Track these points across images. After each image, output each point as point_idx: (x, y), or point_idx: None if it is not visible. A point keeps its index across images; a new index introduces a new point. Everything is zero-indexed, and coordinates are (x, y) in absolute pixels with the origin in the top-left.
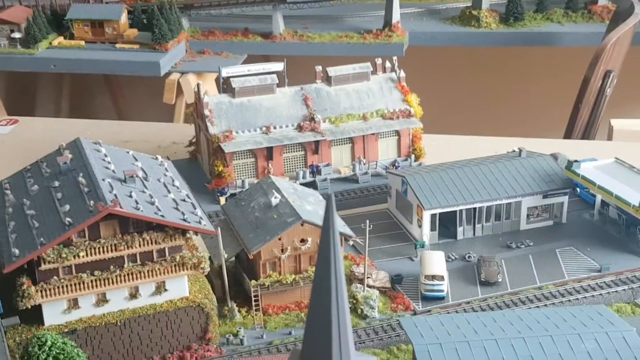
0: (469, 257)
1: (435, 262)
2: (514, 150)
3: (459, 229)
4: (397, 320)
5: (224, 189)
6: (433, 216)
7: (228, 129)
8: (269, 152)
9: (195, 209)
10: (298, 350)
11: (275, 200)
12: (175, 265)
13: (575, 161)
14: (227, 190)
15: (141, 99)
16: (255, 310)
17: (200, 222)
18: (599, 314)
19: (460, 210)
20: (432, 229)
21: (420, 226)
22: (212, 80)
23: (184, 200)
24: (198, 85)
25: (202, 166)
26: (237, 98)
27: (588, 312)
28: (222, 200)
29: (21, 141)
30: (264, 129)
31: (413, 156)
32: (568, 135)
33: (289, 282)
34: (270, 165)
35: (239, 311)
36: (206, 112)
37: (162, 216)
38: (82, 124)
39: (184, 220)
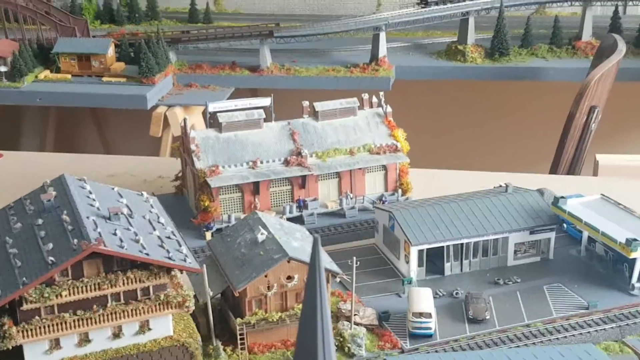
0: (457, 293)
1: (423, 299)
2: (500, 185)
3: (447, 265)
4: (384, 358)
5: (210, 223)
6: (420, 252)
7: (214, 163)
8: (255, 187)
9: (180, 246)
10: None
11: (261, 236)
12: (159, 304)
13: (562, 197)
14: (213, 225)
15: (127, 133)
16: (241, 348)
17: (185, 260)
18: (587, 354)
19: (448, 246)
20: (420, 264)
21: (407, 262)
22: (199, 113)
23: (169, 237)
24: (185, 120)
25: (188, 201)
26: (224, 133)
27: (576, 351)
28: (208, 235)
29: (6, 176)
30: (250, 163)
31: (400, 191)
32: (554, 170)
33: (275, 320)
34: (256, 199)
35: (224, 350)
36: (192, 146)
37: (147, 254)
38: (67, 158)
39: (169, 258)
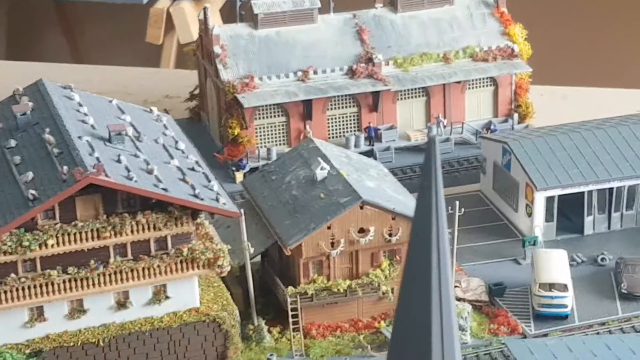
0: (603, 259)
1: (555, 266)
2: None
3: (587, 220)
4: (500, 346)
5: (242, 160)
6: (549, 200)
7: (248, 73)
8: (306, 108)
9: (209, 181)
10: None
11: (321, 172)
12: (181, 262)
13: None
14: (246, 163)
15: (109, 39)
16: (294, 330)
17: (217, 200)
18: None
19: (590, 192)
20: (548, 219)
21: (529, 215)
22: (216, 10)
23: (192, 169)
24: (205, 10)
25: (208, 129)
26: (262, 29)
27: None
28: (239, 176)
29: None
30: (299, 74)
31: (516, 115)
32: None
33: (341, 290)
34: (308, 127)
35: (269, 331)
36: (217, 49)
37: (165, 190)
38: (33, 68)
39: (195, 196)
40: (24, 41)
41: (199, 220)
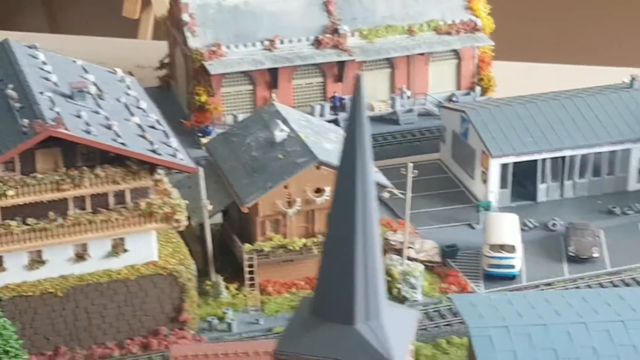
0: (554, 224)
1: (505, 228)
2: (623, 82)
3: (541, 187)
4: (449, 304)
5: (208, 127)
6: (504, 167)
7: (215, 41)
8: (272, 77)
9: (168, 138)
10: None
11: (280, 134)
12: (139, 215)
13: None
14: (213, 129)
15: (87, 12)
16: (250, 286)
17: (175, 156)
18: None
19: (543, 160)
20: (503, 185)
21: (485, 181)
22: None
23: (153, 127)
24: None
25: (176, 96)
26: None
27: None
28: (205, 142)
29: None
30: (266, 43)
31: (478, 89)
32: None
33: (297, 248)
34: (274, 95)
35: (227, 287)
36: (185, 17)
37: (123, 144)
38: (6, 37)
39: (153, 151)
40: (3, 12)
41: (157, 177)
